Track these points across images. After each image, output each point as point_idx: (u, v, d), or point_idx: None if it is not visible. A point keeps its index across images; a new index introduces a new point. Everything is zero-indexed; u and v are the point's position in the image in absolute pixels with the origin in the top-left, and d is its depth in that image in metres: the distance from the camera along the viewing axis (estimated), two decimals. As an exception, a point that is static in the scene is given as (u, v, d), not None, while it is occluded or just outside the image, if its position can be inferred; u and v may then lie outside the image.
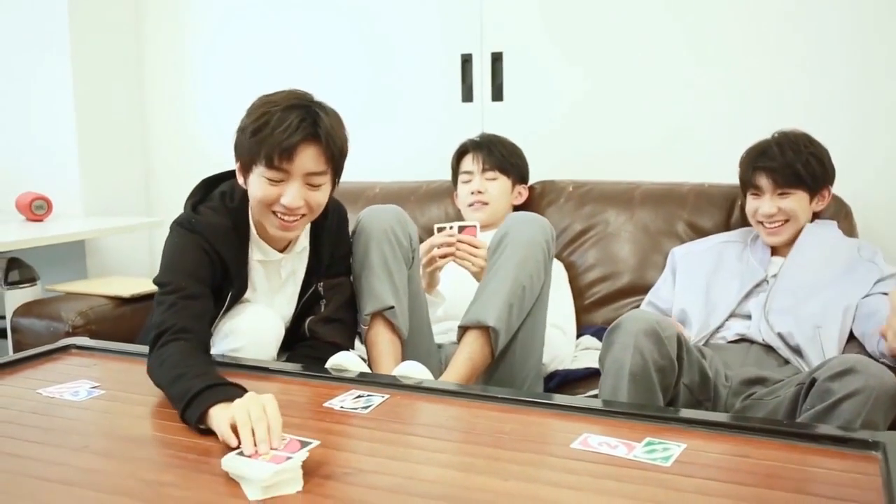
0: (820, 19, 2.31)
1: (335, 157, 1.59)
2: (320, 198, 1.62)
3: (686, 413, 1.35)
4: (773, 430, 1.21)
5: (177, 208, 3.26)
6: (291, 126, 1.52)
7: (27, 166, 3.00)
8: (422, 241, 1.95)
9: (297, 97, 1.58)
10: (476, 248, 1.92)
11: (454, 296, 2.03)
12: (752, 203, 1.99)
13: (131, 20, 3.17)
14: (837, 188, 2.07)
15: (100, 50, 3.05)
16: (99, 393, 1.45)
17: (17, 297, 2.44)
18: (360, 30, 2.86)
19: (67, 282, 2.64)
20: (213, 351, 1.66)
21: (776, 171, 1.92)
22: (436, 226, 1.99)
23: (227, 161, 3.03)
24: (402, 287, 1.80)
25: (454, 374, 1.68)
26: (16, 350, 2.25)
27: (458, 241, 1.93)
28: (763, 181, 1.95)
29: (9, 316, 2.36)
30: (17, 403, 1.40)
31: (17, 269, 2.48)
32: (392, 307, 1.75)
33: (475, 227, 1.97)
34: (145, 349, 1.71)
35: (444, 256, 1.94)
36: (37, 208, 2.77)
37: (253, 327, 1.68)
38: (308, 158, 1.55)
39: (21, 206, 2.79)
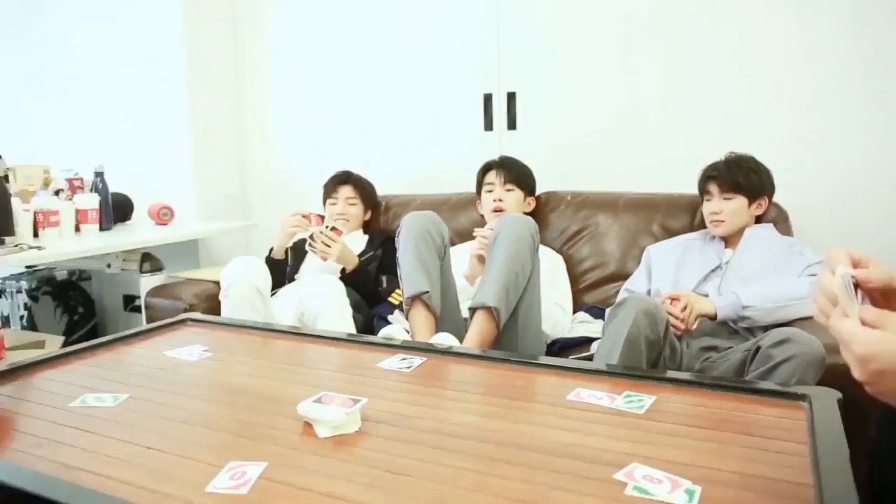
0: (768, 53, 2.27)
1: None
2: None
3: (657, 372, 1.34)
4: (724, 385, 1.21)
5: (267, 213, 3.31)
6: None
7: (156, 182, 3.06)
8: (453, 242, 2.00)
9: None
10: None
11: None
12: (705, 205, 1.99)
13: (233, 71, 3.22)
14: (778, 196, 2.04)
15: (209, 96, 3.10)
16: (208, 355, 1.48)
17: (149, 282, 2.49)
18: (407, 78, 2.87)
19: (186, 270, 2.69)
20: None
21: (721, 178, 1.94)
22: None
23: (303, 179, 3.08)
24: (435, 275, 1.81)
25: (469, 345, 1.67)
26: (148, 322, 2.29)
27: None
28: (712, 187, 1.96)
29: (143, 296, 2.42)
30: (149, 362, 1.44)
31: (149, 261, 2.53)
32: (427, 292, 1.76)
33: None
34: (244, 321, 1.78)
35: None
36: (163, 215, 2.82)
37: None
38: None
39: (151, 213, 2.84)
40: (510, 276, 1.72)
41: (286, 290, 2.28)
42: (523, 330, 1.80)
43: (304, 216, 2.28)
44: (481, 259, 2.02)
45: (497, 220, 1.87)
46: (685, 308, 1.69)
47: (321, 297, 2.00)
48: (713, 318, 1.72)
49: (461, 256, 2.24)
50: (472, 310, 1.74)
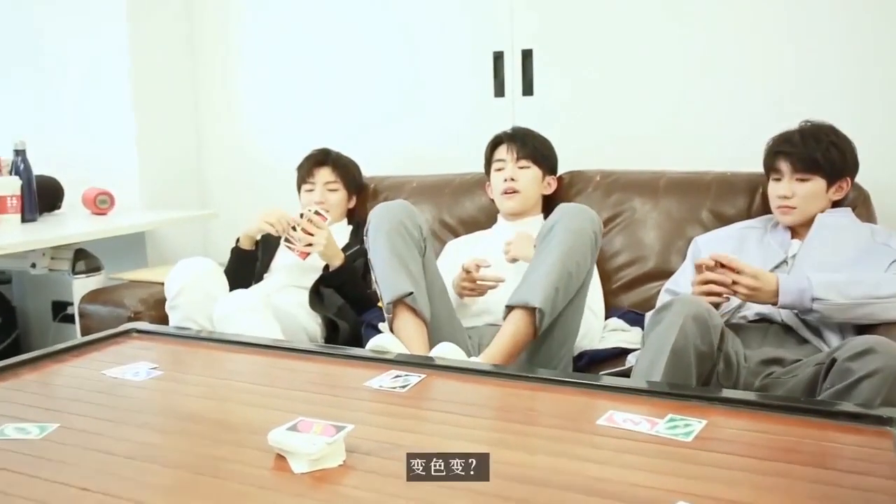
0: (849, 9, 2.26)
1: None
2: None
3: (707, 391, 1.34)
4: (791, 406, 1.20)
5: (229, 200, 3.31)
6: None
7: (91, 164, 3.05)
8: (456, 233, 1.96)
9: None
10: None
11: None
12: (772, 187, 1.97)
13: (185, 25, 3.21)
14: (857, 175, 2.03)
15: (156, 56, 3.08)
16: (157, 374, 1.48)
17: (84, 285, 2.48)
18: (399, 31, 2.86)
19: (129, 270, 2.68)
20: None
21: (795, 156, 1.91)
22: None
23: (272, 158, 3.07)
24: (418, 274, 1.82)
25: (497, 350, 1.68)
26: (83, 334, 2.30)
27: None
28: (783, 165, 1.93)
29: (77, 302, 2.41)
30: (85, 384, 1.44)
31: (83, 259, 2.52)
32: (411, 293, 1.76)
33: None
34: (200, 333, 1.79)
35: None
36: (101, 203, 2.82)
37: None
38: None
39: (87, 200, 2.84)
40: (563, 274, 1.73)
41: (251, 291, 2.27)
42: (560, 342, 1.81)
43: (291, 226, 2.18)
44: (468, 288, 2.04)
45: (557, 208, 1.87)
46: (733, 283, 1.69)
47: (237, 318, 1.96)
48: (774, 303, 1.72)
49: (465, 250, 2.24)
50: (510, 308, 1.74)
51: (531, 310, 1.70)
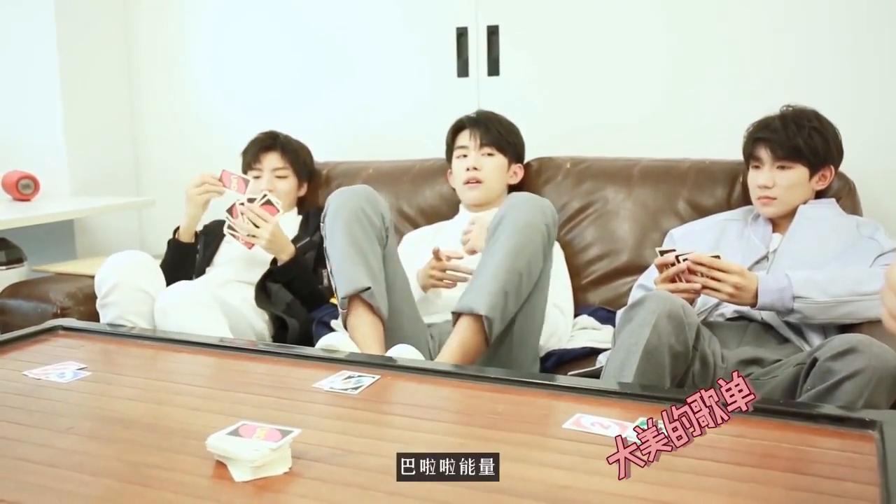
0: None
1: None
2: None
3: (682, 393, 1.35)
4: (769, 409, 1.22)
5: (168, 187, 3.27)
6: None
7: (13, 145, 3.00)
8: (416, 224, 1.94)
9: None
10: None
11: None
12: (752, 176, 2.00)
13: (119, -6, 3.17)
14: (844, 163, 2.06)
15: (86, 24, 3.03)
16: (85, 374, 1.46)
17: (4, 278, 2.45)
18: (354, 4, 2.84)
19: (56, 262, 2.64)
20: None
21: (776, 143, 1.93)
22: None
23: (218, 139, 3.04)
24: (377, 266, 1.81)
25: (446, 360, 1.67)
26: (3, 331, 2.25)
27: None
28: (763, 153, 1.95)
29: (-4, 297, 2.38)
30: (3, 386, 1.41)
31: (3, 249, 2.49)
32: (368, 288, 1.75)
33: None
34: (133, 330, 1.76)
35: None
36: (24, 188, 2.77)
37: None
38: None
39: (7, 185, 2.79)
40: (511, 276, 1.72)
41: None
42: (518, 347, 1.81)
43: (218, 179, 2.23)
44: (437, 277, 2.04)
45: (506, 198, 1.85)
46: (718, 281, 1.69)
47: (181, 311, 1.94)
48: (752, 305, 1.74)
49: (425, 243, 2.23)
50: (456, 315, 1.73)
51: (479, 317, 1.69)
